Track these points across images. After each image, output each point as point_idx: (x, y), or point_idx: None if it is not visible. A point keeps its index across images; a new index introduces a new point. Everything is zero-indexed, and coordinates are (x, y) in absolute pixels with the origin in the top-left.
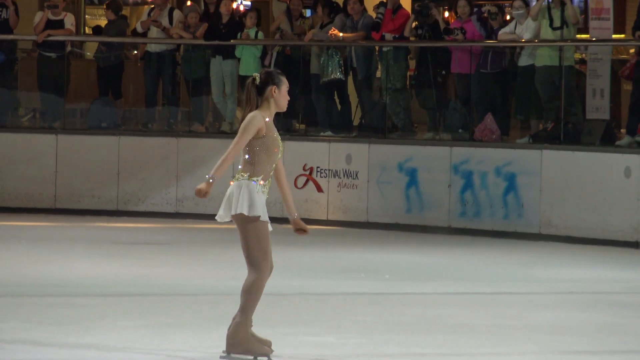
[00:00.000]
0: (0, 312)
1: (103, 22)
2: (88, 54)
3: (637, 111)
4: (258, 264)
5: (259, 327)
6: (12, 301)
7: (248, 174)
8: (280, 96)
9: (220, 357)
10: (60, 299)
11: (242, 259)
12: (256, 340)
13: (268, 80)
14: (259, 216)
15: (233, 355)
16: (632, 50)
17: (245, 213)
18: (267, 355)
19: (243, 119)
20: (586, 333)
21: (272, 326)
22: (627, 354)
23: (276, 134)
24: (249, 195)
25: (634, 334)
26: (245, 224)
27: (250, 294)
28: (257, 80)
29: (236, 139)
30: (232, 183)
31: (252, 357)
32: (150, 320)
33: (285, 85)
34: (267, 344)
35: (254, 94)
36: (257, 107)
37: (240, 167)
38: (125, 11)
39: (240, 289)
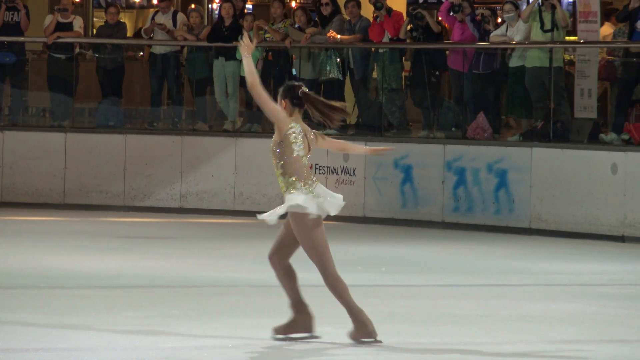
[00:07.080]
0: (12, 302)
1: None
2: (89, 52)
3: (623, 110)
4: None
5: (262, 318)
6: (23, 292)
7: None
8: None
9: (231, 346)
10: (69, 291)
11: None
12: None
13: (280, 94)
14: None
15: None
16: (601, 54)
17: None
18: (374, 337)
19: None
20: (574, 323)
21: (274, 316)
22: (613, 343)
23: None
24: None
25: (620, 323)
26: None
27: (337, 289)
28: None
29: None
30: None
31: (372, 339)
32: (155, 310)
33: (288, 97)
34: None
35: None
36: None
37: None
38: (132, 14)
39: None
